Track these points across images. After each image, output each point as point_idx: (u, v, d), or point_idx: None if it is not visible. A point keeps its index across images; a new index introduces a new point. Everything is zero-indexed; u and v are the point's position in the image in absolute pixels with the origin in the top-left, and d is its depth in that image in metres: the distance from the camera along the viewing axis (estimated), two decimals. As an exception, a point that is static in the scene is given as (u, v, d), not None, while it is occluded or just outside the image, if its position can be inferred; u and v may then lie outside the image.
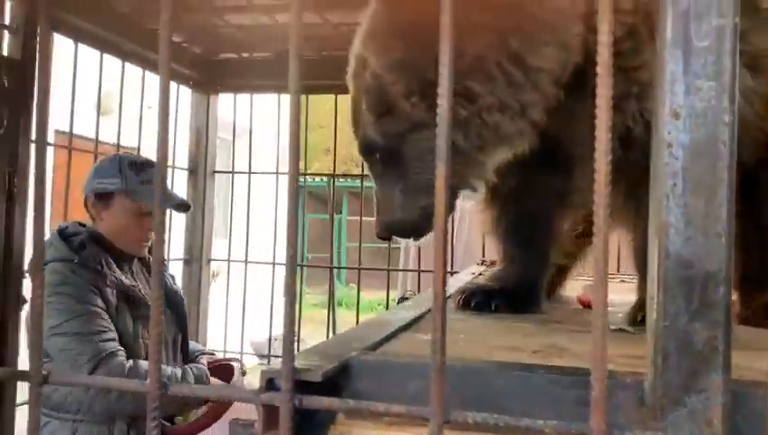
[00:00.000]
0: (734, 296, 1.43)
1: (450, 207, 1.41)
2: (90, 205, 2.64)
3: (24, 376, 0.79)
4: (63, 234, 2.54)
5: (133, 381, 0.75)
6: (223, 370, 2.77)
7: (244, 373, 2.81)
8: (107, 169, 2.63)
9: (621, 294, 1.62)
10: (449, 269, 3.33)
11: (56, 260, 2.45)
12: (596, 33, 1.30)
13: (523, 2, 1.23)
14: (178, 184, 3.63)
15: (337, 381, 0.80)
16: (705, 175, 0.63)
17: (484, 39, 1.20)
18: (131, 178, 2.58)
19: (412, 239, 1.45)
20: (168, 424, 2.64)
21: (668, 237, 0.64)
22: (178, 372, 2.55)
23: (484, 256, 3.03)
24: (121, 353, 2.37)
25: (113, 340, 2.39)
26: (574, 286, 1.98)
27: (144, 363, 2.38)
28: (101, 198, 2.60)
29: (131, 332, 2.49)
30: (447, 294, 1.38)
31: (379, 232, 1.43)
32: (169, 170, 3.36)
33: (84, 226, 2.64)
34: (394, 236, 1.46)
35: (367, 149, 1.41)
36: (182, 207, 2.86)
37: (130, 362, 2.37)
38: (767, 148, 1.31)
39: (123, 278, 2.56)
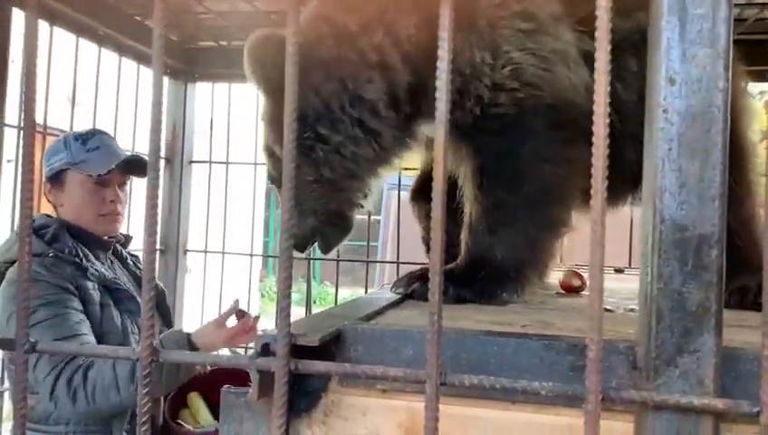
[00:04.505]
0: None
1: (347, 230, 1.71)
2: (47, 193, 2.41)
3: (8, 344, 0.77)
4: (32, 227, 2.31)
5: (123, 349, 0.74)
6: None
7: (257, 317, 2.47)
8: (53, 149, 2.41)
9: (609, 282, 1.64)
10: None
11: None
12: (417, 51, 1.45)
13: (345, 50, 1.46)
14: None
15: (330, 349, 0.80)
16: (700, 139, 0.64)
17: (328, 88, 1.46)
18: (77, 149, 2.35)
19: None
20: (186, 427, 2.48)
21: (663, 202, 0.66)
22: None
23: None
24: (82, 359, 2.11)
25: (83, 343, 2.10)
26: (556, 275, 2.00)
27: (103, 366, 2.08)
28: (55, 181, 2.38)
29: (120, 328, 2.27)
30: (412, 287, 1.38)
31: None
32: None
33: (51, 217, 2.41)
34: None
35: (270, 180, 1.74)
36: (134, 167, 2.43)
37: (89, 366, 2.09)
38: None
39: (104, 271, 2.34)
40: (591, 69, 1.47)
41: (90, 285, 2.25)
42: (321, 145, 1.49)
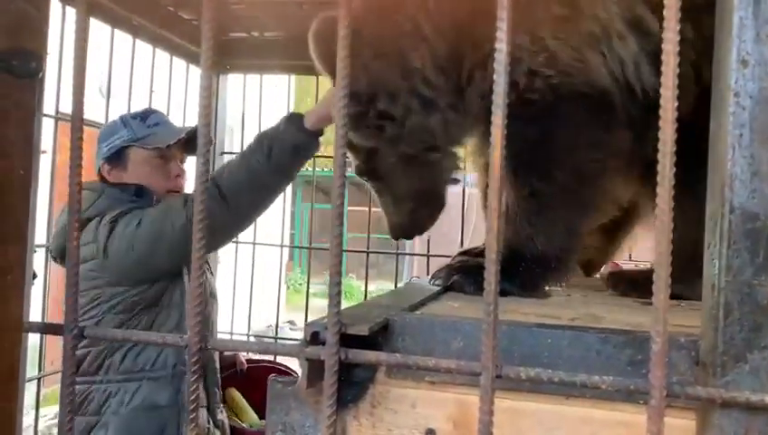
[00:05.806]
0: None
1: (440, 207, 1.73)
2: (107, 174, 2.38)
3: (57, 329, 0.77)
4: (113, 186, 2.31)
5: (171, 336, 0.73)
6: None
7: None
8: (111, 129, 2.41)
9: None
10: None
11: (123, 211, 2.21)
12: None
13: (386, 28, 1.50)
14: (186, 164, 3.59)
15: (377, 340, 0.78)
16: (775, 124, 0.61)
17: (377, 65, 1.50)
18: (138, 126, 2.36)
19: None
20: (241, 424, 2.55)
21: (733, 190, 0.62)
22: None
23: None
24: None
25: None
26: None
27: None
28: (115, 161, 2.37)
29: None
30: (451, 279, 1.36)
31: (392, 235, 1.76)
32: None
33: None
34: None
35: (358, 174, 1.71)
36: (194, 144, 2.37)
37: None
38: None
39: None
40: (640, 37, 1.37)
41: None
42: (387, 122, 1.52)
